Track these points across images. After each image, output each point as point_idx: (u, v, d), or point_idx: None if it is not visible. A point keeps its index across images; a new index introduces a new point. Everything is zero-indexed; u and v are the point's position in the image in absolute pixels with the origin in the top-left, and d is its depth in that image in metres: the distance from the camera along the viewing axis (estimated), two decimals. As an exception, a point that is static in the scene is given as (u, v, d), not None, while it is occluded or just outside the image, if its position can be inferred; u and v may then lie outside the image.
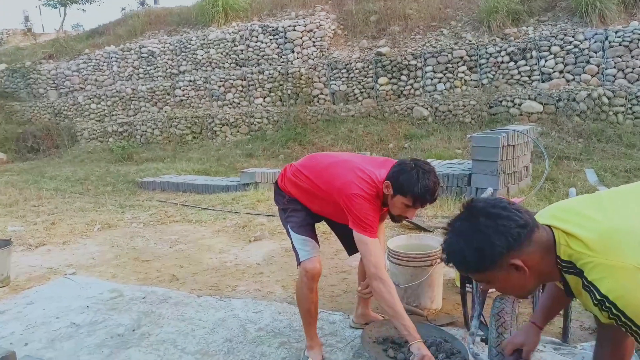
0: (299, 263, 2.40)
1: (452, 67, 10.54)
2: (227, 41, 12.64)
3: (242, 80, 12.38)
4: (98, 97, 13.74)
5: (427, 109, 10.53)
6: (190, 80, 12.89)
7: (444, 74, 10.64)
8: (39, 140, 13.54)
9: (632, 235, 1.23)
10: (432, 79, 10.75)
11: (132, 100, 13.41)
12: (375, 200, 2.21)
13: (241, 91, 12.43)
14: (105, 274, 3.95)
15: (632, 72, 9.00)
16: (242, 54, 12.53)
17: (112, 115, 13.61)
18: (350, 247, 2.53)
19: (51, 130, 13.70)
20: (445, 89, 10.60)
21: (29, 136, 13.59)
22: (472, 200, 1.44)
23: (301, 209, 2.46)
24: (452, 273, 3.43)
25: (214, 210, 6.20)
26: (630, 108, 8.82)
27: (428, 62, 10.71)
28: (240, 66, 12.59)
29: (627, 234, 1.24)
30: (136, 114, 13.37)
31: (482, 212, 1.35)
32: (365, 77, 11.28)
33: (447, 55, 10.53)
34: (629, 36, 9.02)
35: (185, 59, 13.11)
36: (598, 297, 1.22)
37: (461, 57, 10.44)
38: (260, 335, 2.72)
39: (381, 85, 11.13)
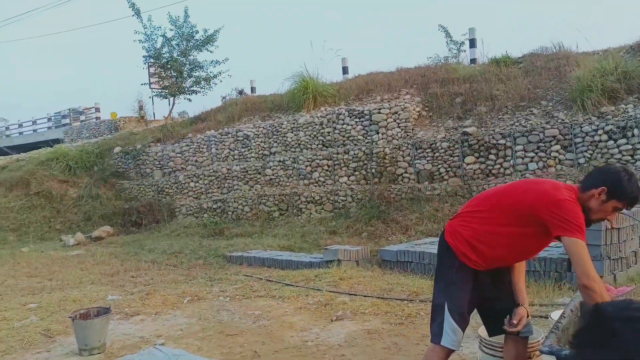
0: (437, 342, 2.32)
1: (544, 146, 10.15)
2: (315, 124, 13.30)
3: (327, 160, 12.81)
4: (197, 177, 14.85)
5: (518, 188, 10.07)
6: (279, 161, 13.57)
7: (536, 153, 10.25)
8: (142, 215, 14.71)
9: None
10: (522, 158, 10.39)
11: (227, 179, 14.31)
12: (579, 208, 2.21)
13: (327, 170, 12.83)
14: (192, 346, 4.04)
15: None
16: (329, 135, 13.08)
17: (208, 192, 14.56)
18: (496, 325, 2.46)
19: (153, 206, 14.88)
20: (538, 168, 10.17)
21: (134, 211, 14.84)
22: (597, 306, 1.30)
23: (468, 289, 2.35)
24: (554, 369, 3.09)
25: (296, 286, 6.23)
26: None
27: (518, 141, 10.44)
28: (327, 147, 13.09)
29: None
30: (229, 192, 14.18)
31: (614, 318, 1.21)
32: (451, 156, 11.19)
33: (538, 135, 10.21)
34: None
35: (276, 141, 13.92)
36: None
37: (554, 136, 10.06)
38: (341, 423, 2.58)
39: (468, 164, 10.95)
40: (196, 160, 15.26)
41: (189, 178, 14.99)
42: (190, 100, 19.48)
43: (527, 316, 2.41)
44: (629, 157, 9.24)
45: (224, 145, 14.83)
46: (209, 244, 11.10)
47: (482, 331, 2.80)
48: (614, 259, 5.75)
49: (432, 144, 11.43)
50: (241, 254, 9.48)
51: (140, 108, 22.38)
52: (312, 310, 5.04)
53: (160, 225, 14.22)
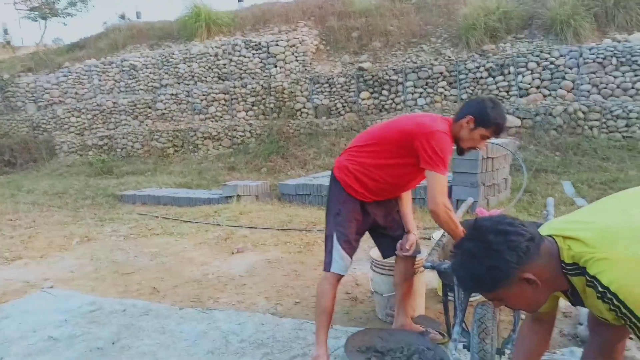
0: (327, 270, 2.45)
1: (432, 82, 10.72)
2: (210, 55, 12.66)
3: (224, 94, 12.39)
4: (78, 111, 13.58)
5: (408, 123, 10.64)
6: (172, 94, 12.85)
7: (424, 89, 10.81)
8: (16, 153, 13.28)
9: (628, 230, 1.29)
10: (412, 94, 10.91)
11: (113, 114, 13.29)
12: (451, 139, 2.34)
13: (224, 105, 12.43)
14: (84, 287, 3.88)
15: (605, 88, 9.28)
16: (225, 67, 12.56)
17: (93, 128, 13.45)
18: (388, 249, 2.66)
19: (29, 143, 13.45)
20: (426, 104, 10.77)
21: (6, 149, 13.32)
22: (477, 220, 1.45)
23: (354, 218, 2.45)
24: (435, 282, 3.46)
25: (195, 222, 6.15)
26: (605, 122, 9.07)
27: (409, 77, 10.88)
28: (223, 80, 12.61)
29: (623, 229, 1.30)
30: (117, 128, 13.24)
31: (490, 231, 1.36)
32: (347, 91, 11.40)
33: (427, 71, 10.72)
34: (602, 53, 9.31)
35: (167, 73, 13.08)
36: (600, 289, 1.27)
37: (441, 73, 10.64)
38: (243, 347, 2.69)
39: (363, 99, 11.26)
40: (76, 93, 13.88)
41: (69, 112, 13.64)
42: (65, 24, 17.78)
43: (416, 240, 2.63)
44: (505, 93, 10.12)
45: (108, 76, 13.61)
46: (97, 184, 10.42)
47: (374, 253, 3.02)
48: (487, 186, 6.41)
49: (330, 78, 11.52)
50: (134, 192, 9.05)
51: (5, 32, 19.62)
52: (212, 245, 5.05)
53: (39, 164, 12.98)
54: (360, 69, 11.32)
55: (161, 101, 12.93)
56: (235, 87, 12.29)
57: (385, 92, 11.10)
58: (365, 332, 2.57)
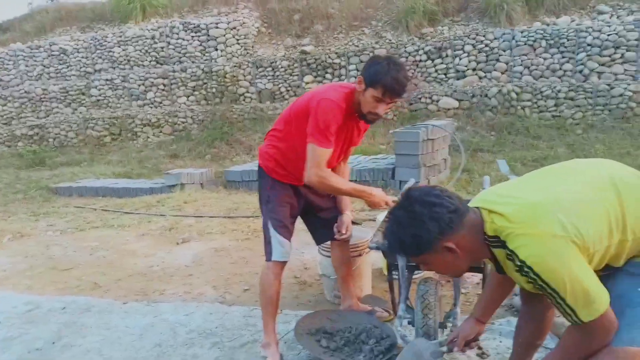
0: (269, 259, 2.39)
1: (375, 65, 10.83)
2: (147, 38, 12.15)
3: (163, 78, 11.96)
4: (4, 99, 12.68)
5: (352, 106, 10.74)
6: (107, 79, 12.26)
7: (367, 72, 10.91)
8: None
9: (546, 207, 1.37)
10: (355, 77, 10.96)
11: (43, 102, 12.52)
12: (343, 110, 2.19)
13: (163, 90, 12.02)
14: (19, 286, 3.68)
15: (536, 69, 9.76)
16: (163, 51, 12.11)
17: (21, 117, 12.62)
18: (322, 233, 2.60)
19: (-52, 135, 12.46)
20: (369, 87, 10.89)
21: None
22: (409, 189, 1.52)
23: (285, 202, 2.39)
24: (380, 262, 3.55)
25: (137, 214, 5.96)
26: (536, 103, 9.56)
27: (351, 60, 10.95)
28: (161, 64, 12.15)
29: (542, 206, 1.38)
30: (48, 116, 12.49)
31: (417, 201, 1.45)
32: (291, 75, 11.33)
33: (369, 54, 10.82)
34: (533, 36, 9.77)
35: (101, 57, 12.44)
36: (518, 263, 1.35)
37: (382, 56, 10.77)
38: (192, 337, 2.66)
39: (307, 83, 11.23)
40: (0, 80, 12.94)
41: (-6, 101, 12.72)
42: (-17, 4, 16.09)
43: (351, 222, 2.61)
44: (443, 76, 10.42)
45: (36, 61, 12.77)
46: (29, 176, 9.83)
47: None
48: (428, 166, 6.62)
49: (273, 62, 11.38)
50: (69, 184, 8.62)
51: None
52: (155, 236, 4.91)
53: (-39, 157, 12.06)
54: (303, 52, 11.26)
55: (95, 87, 12.31)
56: (174, 72, 11.89)
57: (328, 76, 11.12)
58: (315, 315, 2.61)
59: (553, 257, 1.31)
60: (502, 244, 1.41)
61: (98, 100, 12.32)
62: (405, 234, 1.44)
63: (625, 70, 9.21)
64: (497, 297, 1.85)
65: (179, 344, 2.60)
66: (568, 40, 9.53)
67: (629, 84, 9.02)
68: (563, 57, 9.61)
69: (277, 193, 2.41)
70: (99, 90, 12.30)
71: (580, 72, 9.48)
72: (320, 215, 2.59)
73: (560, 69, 9.63)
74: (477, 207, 1.49)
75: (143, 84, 12.04)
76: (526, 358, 1.85)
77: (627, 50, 9.15)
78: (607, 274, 1.45)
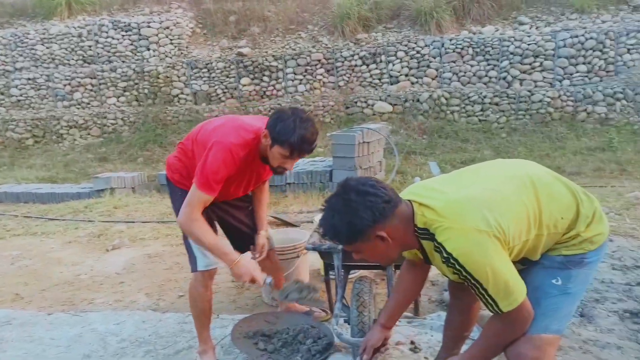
0: (195, 270, 2.30)
1: (311, 69, 10.94)
2: (73, 36, 11.53)
3: (91, 78, 11.40)
4: None
5: (289, 109, 10.75)
6: (28, 79, 11.50)
7: (304, 76, 11.00)
8: None
9: (473, 202, 1.45)
10: (293, 81, 11.04)
11: (-46, 101, 11.53)
12: (240, 159, 2.09)
13: (91, 90, 11.44)
14: None
15: (464, 76, 10.26)
16: (91, 50, 11.55)
17: None
18: (239, 247, 2.40)
19: None
20: (306, 90, 10.98)
21: None
22: (347, 179, 1.56)
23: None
24: (318, 264, 3.59)
25: (63, 220, 5.65)
26: (464, 107, 10.05)
27: (289, 63, 10.98)
28: (89, 63, 11.58)
29: (469, 202, 1.46)
30: (-40, 117, 11.52)
31: (353, 189, 1.49)
32: (228, 77, 11.18)
33: (305, 58, 10.91)
34: (461, 44, 10.27)
35: (22, 55, 11.65)
36: (445, 255, 1.43)
37: (319, 60, 10.90)
38: (123, 347, 2.57)
39: (244, 85, 11.13)
40: None
41: None
42: None
43: (267, 238, 2.53)
44: (378, 81, 10.70)
45: (-54, 57, 11.74)
46: (-62, 182, 9.01)
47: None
48: (364, 168, 6.77)
49: (208, 63, 11.18)
50: (-14, 190, 7.99)
51: None
52: (83, 243, 4.68)
53: None
54: (240, 54, 11.15)
55: (16, 87, 11.52)
56: (103, 71, 11.38)
57: (266, 79, 11.09)
58: (252, 318, 2.60)
59: (477, 250, 1.39)
60: (431, 237, 1.48)
61: (19, 100, 11.54)
62: (340, 221, 1.47)
63: (544, 77, 9.90)
64: (403, 303, 1.89)
65: (109, 354, 2.50)
66: (492, 48, 10.11)
67: (547, 91, 9.70)
68: (488, 65, 10.17)
69: None
70: (20, 90, 11.52)
71: (504, 78, 10.08)
72: (241, 228, 2.54)
73: (486, 75, 10.19)
74: (408, 200, 1.55)
75: (69, 84, 11.41)
76: (455, 349, 1.95)
77: (545, 59, 9.85)
78: (525, 267, 1.56)
